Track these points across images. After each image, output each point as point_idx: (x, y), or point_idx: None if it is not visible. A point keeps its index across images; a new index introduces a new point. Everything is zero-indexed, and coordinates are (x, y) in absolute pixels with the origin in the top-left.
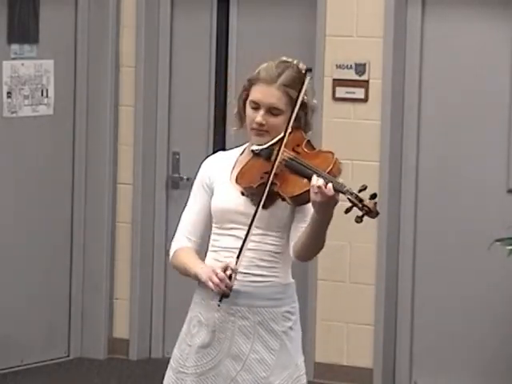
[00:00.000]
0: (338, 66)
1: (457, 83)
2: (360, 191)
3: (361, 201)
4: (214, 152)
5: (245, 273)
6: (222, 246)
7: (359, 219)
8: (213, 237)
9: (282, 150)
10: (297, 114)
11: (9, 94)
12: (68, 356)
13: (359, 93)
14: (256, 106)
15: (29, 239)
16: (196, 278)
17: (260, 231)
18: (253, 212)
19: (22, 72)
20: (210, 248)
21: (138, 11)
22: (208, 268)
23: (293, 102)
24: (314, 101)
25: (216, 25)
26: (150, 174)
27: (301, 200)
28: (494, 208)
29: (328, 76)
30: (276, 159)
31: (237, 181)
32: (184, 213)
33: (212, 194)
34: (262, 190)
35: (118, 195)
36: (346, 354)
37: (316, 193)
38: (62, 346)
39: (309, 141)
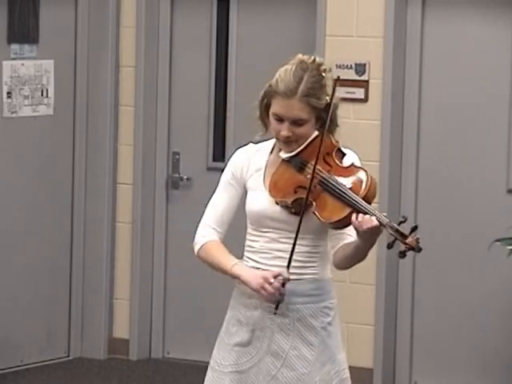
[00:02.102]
0: (338, 66)
1: (457, 83)
2: (400, 223)
3: (403, 236)
4: (214, 152)
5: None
6: (258, 247)
7: (402, 255)
8: (249, 237)
9: (315, 169)
10: (321, 116)
11: (9, 94)
12: (68, 356)
13: (359, 93)
14: (279, 118)
15: (29, 239)
16: (235, 278)
17: (294, 234)
18: (288, 218)
19: (22, 72)
20: (247, 248)
21: (138, 11)
22: (256, 275)
23: (316, 109)
24: (336, 94)
25: (216, 25)
26: (150, 174)
27: (338, 225)
28: (494, 208)
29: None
30: (311, 183)
31: (270, 192)
32: (211, 202)
33: (243, 188)
34: (297, 204)
35: (118, 195)
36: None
37: (359, 225)
38: (61, 346)
39: (339, 149)
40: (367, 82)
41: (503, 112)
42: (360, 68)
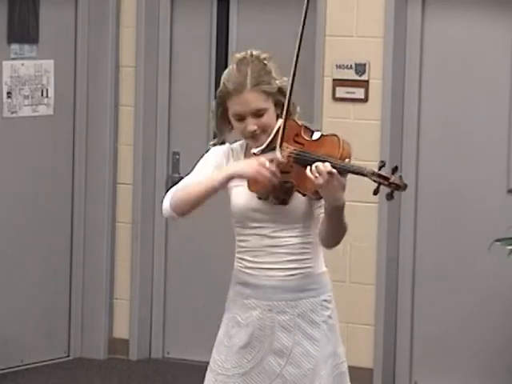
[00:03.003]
0: (338, 66)
1: (457, 83)
2: (380, 168)
3: (386, 179)
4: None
5: (278, 268)
6: (248, 246)
7: (390, 197)
8: (238, 238)
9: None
10: (278, 101)
11: (9, 94)
12: (68, 356)
13: (359, 93)
14: (240, 117)
15: (29, 239)
16: (226, 181)
17: (284, 226)
18: (272, 209)
19: (22, 72)
20: (238, 249)
21: (138, 11)
22: (249, 162)
23: (270, 94)
24: (284, 78)
25: (216, 25)
26: (150, 174)
27: (319, 193)
28: (494, 208)
29: (328, 76)
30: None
31: (250, 188)
32: (189, 176)
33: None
34: (278, 188)
35: (118, 195)
36: (346, 354)
37: (316, 177)
38: (61, 346)
39: (306, 126)
40: (367, 82)
41: (503, 112)
42: (360, 68)
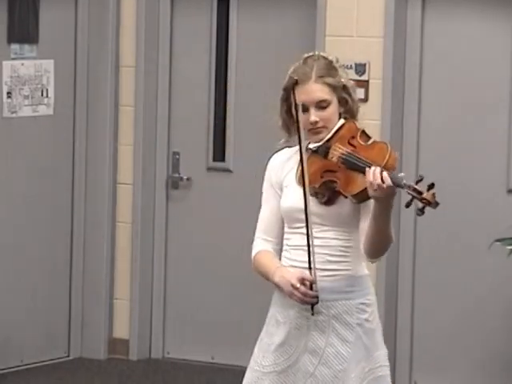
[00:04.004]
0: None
1: (457, 83)
2: (417, 183)
3: (420, 193)
4: (214, 152)
5: (317, 268)
6: (292, 244)
7: (420, 212)
8: (285, 236)
9: (336, 146)
10: (342, 98)
11: (9, 94)
12: (68, 356)
13: (359, 93)
14: (304, 108)
15: (29, 239)
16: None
17: (326, 228)
18: (319, 210)
19: (22, 72)
20: (284, 248)
21: (138, 11)
22: (286, 282)
23: (334, 89)
24: (350, 81)
25: (216, 25)
26: (150, 174)
27: (362, 196)
28: (494, 208)
29: None
30: (327, 156)
31: (299, 181)
32: (259, 216)
33: (281, 188)
34: (326, 188)
35: (118, 195)
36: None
37: (375, 190)
38: (62, 346)
39: (363, 131)
40: (367, 82)
41: (503, 112)
42: (360, 68)
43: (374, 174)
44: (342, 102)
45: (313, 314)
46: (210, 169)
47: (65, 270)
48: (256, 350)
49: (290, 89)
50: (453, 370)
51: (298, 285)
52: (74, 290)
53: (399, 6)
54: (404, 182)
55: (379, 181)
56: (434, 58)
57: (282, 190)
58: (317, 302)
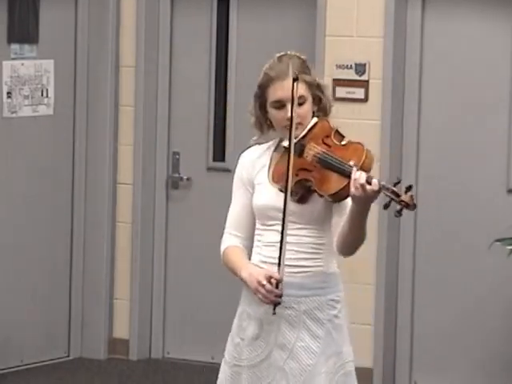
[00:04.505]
0: (338, 66)
1: (457, 83)
2: (395, 185)
3: (398, 195)
4: (214, 152)
5: (288, 265)
6: (264, 241)
7: (398, 214)
8: (256, 232)
9: (311, 146)
10: (316, 96)
11: (9, 94)
12: (68, 356)
13: (359, 93)
14: (280, 105)
15: (29, 239)
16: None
17: (299, 225)
18: (292, 208)
19: (22, 72)
20: (255, 243)
21: (138, 11)
22: (253, 277)
23: (310, 86)
24: (324, 81)
25: (216, 25)
26: (150, 174)
27: (339, 196)
28: (494, 208)
29: (328, 76)
30: (302, 155)
31: (273, 179)
32: (229, 211)
33: (253, 187)
34: (300, 187)
35: (118, 195)
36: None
37: (357, 188)
38: (62, 346)
39: (337, 130)
40: (367, 82)
41: (503, 112)
42: (360, 68)
43: (360, 174)
44: (316, 100)
45: (274, 313)
46: (209, 169)
47: (65, 270)
48: (229, 344)
49: (266, 86)
50: (453, 369)
51: (265, 282)
52: (74, 290)
53: (399, 6)
54: (382, 183)
55: (363, 181)
56: (434, 57)
57: (253, 187)
58: (279, 303)
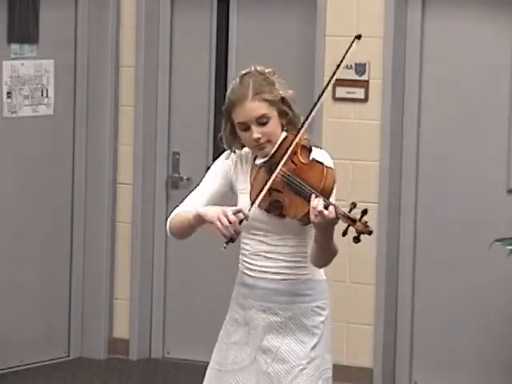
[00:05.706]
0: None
1: (457, 83)
2: (350, 210)
3: (353, 221)
4: (214, 152)
5: (273, 272)
6: (248, 249)
7: (356, 240)
8: (242, 240)
9: (278, 170)
10: (282, 110)
11: (9, 94)
12: (68, 356)
13: (359, 93)
14: (245, 127)
15: (29, 239)
16: (198, 220)
17: (283, 236)
18: (270, 220)
19: (22, 72)
20: (241, 251)
21: (138, 11)
22: (216, 209)
23: (273, 103)
24: (289, 91)
25: (216, 25)
26: (150, 174)
27: (304, 221)
28: (494, 208)
29: (328, 76)
30: (270, 177)
31: (251, 198)
32: (197, 188)
33: (231, 185)
34: (273, 208)
35: (118, 195)
36: (346, 354)
37: (316, 215)
38: (62, 346)
39: (303, 146)
40: (367, 82)
41: (503, 112)
42: (360, 68)
43: (318, 203)
44: (283, 115)
45: (225, 248)
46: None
47: (65, 271)
48: (216, 349)
49: (229, 109)
50: (453, 370)
51: (230, 213)
52: (74, 290)
53: (399, 6)
54: (339, 211)
55: (321, 208)
56: (434, 58)
57: (233, 188)
58: (234, 240)
